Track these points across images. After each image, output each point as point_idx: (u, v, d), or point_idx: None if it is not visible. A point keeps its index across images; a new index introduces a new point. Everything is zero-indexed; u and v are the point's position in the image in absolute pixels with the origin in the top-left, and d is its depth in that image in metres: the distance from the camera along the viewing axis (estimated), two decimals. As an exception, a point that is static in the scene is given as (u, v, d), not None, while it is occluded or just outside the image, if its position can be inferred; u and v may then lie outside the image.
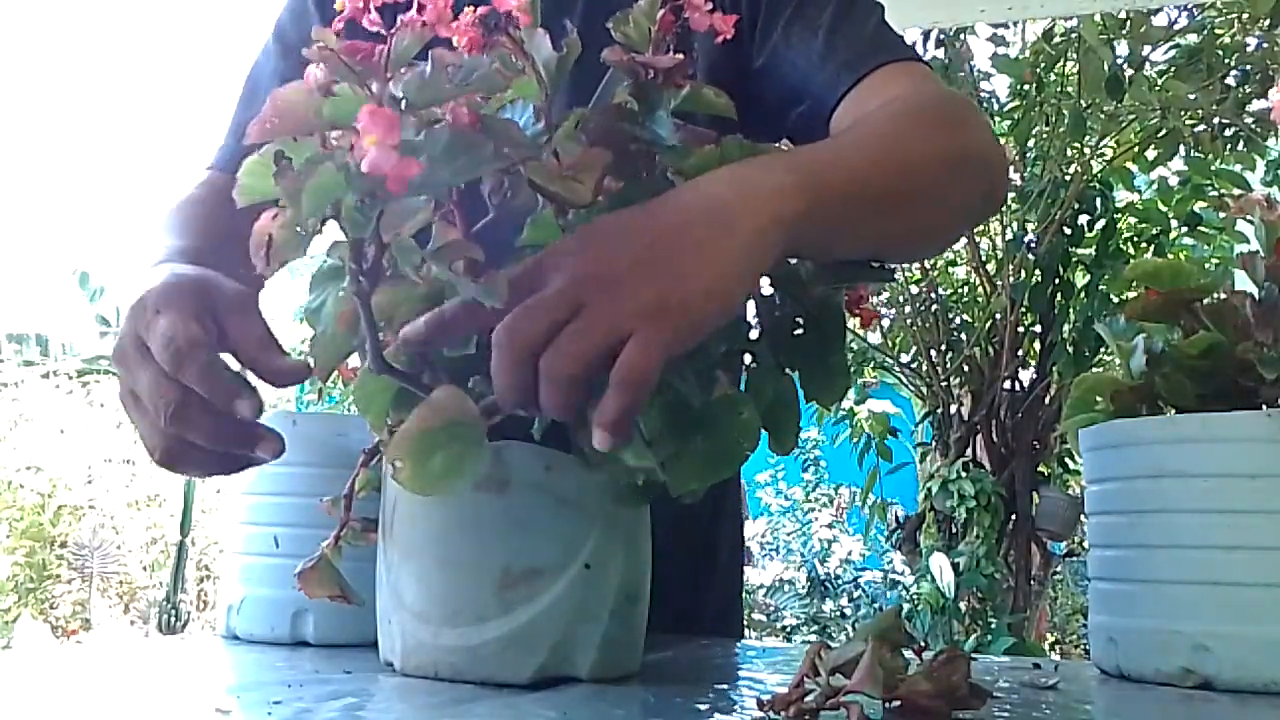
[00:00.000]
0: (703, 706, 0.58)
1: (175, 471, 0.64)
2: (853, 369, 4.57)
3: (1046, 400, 4.52)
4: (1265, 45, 3.97)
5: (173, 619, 4.79)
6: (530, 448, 0.61)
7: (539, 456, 0.61)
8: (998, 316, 4.51)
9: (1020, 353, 4.59)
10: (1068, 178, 4.36)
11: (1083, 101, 4.15)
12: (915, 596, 4.40)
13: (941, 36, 4.28)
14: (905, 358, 4.98)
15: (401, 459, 0.55)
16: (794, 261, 0.64)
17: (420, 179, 0.52)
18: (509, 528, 0.61)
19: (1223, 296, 0.77)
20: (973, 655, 0.57)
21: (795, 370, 0.64)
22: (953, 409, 4.68)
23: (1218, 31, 4.06)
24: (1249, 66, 3.98)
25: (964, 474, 4.38)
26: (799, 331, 0.64)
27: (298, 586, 0.66)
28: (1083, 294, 4.37)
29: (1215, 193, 4.04)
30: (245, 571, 0.84)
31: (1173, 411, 0.77)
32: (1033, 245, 4.38)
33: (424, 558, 0.62)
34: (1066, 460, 4.64)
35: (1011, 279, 4.40)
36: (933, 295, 4.77)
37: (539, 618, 0.60)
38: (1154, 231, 4.46)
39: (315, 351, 0.64)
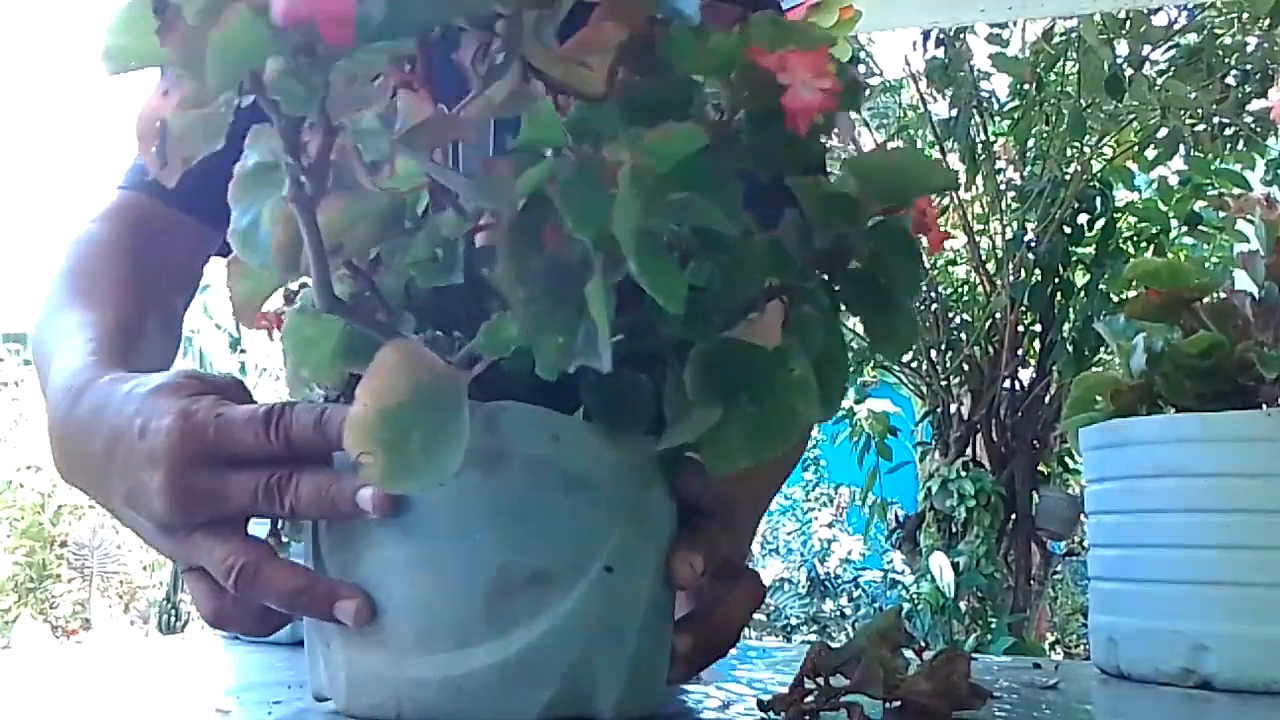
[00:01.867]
0: (703, 706, 0.58)
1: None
2: (851, 368, 4.57)
3: (1046, 400, 4.52)
4: (1265, 45, 3.97)
5: (173, 619, 4.79)
6: (533, 411, 0.46)
7: (544, 423, 0.46)
8: (998, 316, 4.51)
9: (1020, 352, 4.59)
10: (1068, 177, 4.36)
11: (1083, 101, 4.15)
12: (915, 596, 4.40)
13: (941, 36, 4.28)
14: (905, 357, 4.98)
15: (370, 450, 0.41)
16: (833, 176, 0.49)
17: (379, 23, 0.38)
18: (504, 518, 0.45)
19: (1223, 296, 0.77)
20: (973, 655, 0.57)
21: (857, 313, 0.50)
22: (952, 408, 4.68)
23: (1217, 31, 4.07)
24: (1249, 66, 3.99)
25: (964, 473, 4.39)
26: (855, 265, 0.50)
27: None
28: (1083, 293, 4.37)
29: (1215, 192, 4.04)
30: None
31: (1173, 411, 0.77)
32: (1033, 245, 4.39)
33: (382, 558, 0.46)
34: (1066, 460, 4.65)
35: (1011, 278, 4.40)
36: (933, 294, 4.77)
37: (546, 639, 0.45)
38: (1154, 231, 4.47)
39: (235, 287, 0.50)
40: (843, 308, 0.50)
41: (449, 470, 0.41)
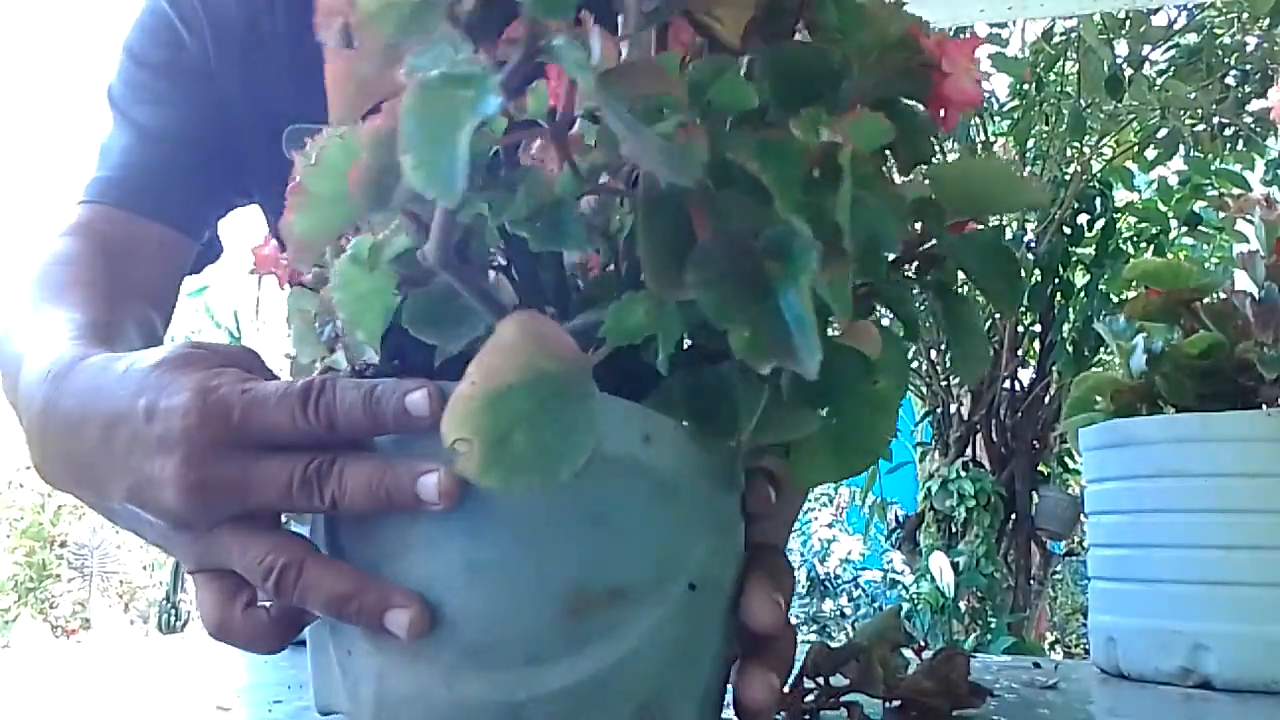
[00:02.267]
0: (703, 706, 0.58)
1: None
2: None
3: (1046, 400, 4.53)
4: (1265, 45, 3.97)
5: (173, 619, 4.79)
6: (624, 406, 0.41)
7: (636, 420, 0.41)
8: (997, 316, 4.51)
9: (1020, 352, 4.59)
10: (1067, 177, 4.36)
11: (1082, 101, 4.15)
12: (915, 596, 4.40)
13: (941, 36, 4.27)
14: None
15: (468, 437, 0.35)
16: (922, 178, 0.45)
17: None
18: (585, 524, 0.40)
19: (1223, 296, 0.77)
20: (972, 655, 0.57)
21: (945, 328, 0.47)
22: (952, 408, 4.68)
23: (1217, 31, 4.07)
24: (1249, 66, 3.99)
25: (964, 473, 4.39)
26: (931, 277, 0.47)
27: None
28: (1083, 294, 4.38)
29: (1215, 192, 4.04)
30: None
31: (1173, 411, 0.77)
32: (1032, 245, 4.39)
33: (434, 559, 0.41)
34: (1066, 460, 4.65)
35: (1011, 278, 4.40)
36: (932, 295, 4.76)
37: (623, 662, 0.40)
38: (1154, 231, 4.47)
39: (296, 222, 0.42)
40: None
41: (562, 471, 0.35)
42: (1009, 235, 4.45)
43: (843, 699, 0.52)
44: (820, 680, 0.53)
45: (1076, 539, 4.98)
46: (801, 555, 5.59)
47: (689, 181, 0.35)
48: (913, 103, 0.43)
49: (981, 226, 0.47)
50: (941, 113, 0.42)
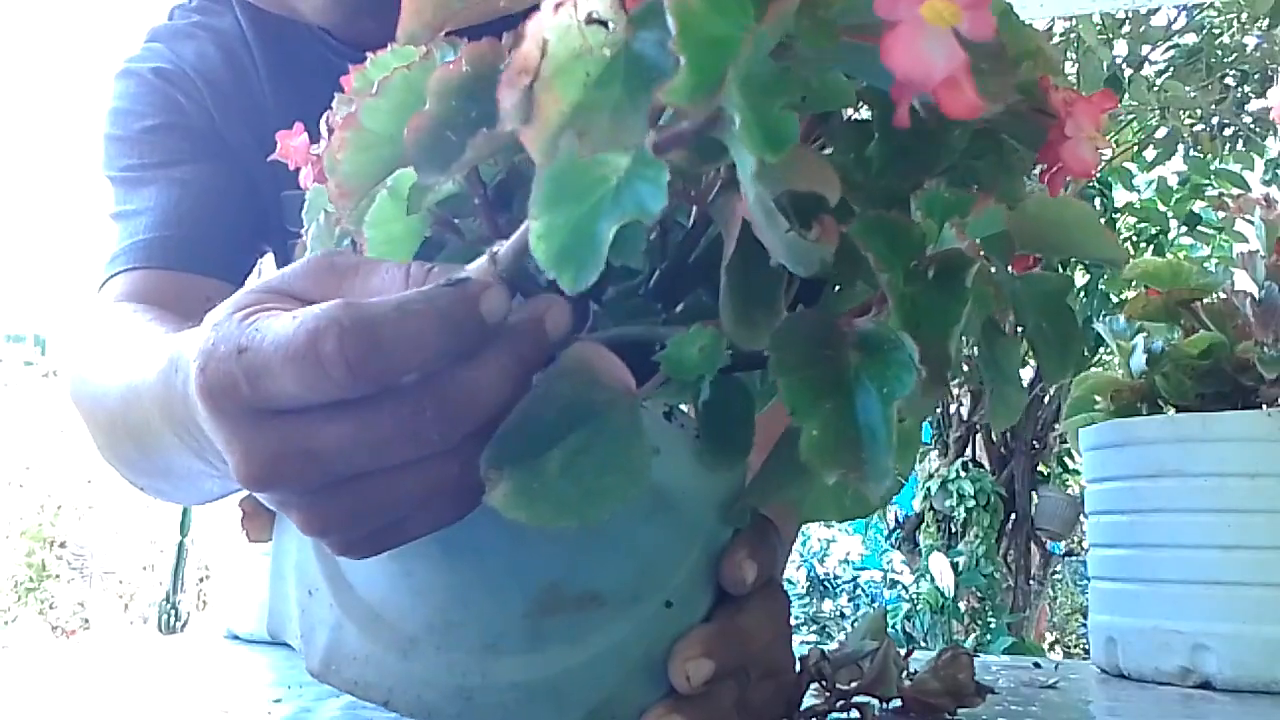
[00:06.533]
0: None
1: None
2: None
3: (1046, 400, 4.53)
4: (1264, 45, 3.97)
5: (173, 619, 4.79)
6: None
7: (651, 432, 0.38)
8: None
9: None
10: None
11: (1082, 101, 4.15)
12: (915, 596, 4.40)
13: (941, 36, 4.27)
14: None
15: (494, 462, 0.32)
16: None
17: None
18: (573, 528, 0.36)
19: (1223, 296, 0.77)
20: (974, 654, 0.57)
21: (987, 372, 0.42)
22: (952, 408, 4.69)
23: (1217, 31, 4.07)
24: (1248, 66, 3.99)
25: (963, 473, 4.39)
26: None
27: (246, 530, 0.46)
28: (1082, 294, 4.38)
29: (1215, 192, 4.05)
30: (246, 571, 0.84)
31: (1173, 411, 0.77)
32: (1032, 245, 4.39)
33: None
34: (1066, 460, 4.65)
35: (1011, 278, 4.40)
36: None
37: (585, 666, 0.39)
38: (1154, 231, 4.47)
39: (344, 159, 0.37)
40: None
41: (594, 511, 0.33)
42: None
43: (854, 701, 0.52)
44: (824, 683, 0.53)
45: (1076, 539, 4.98)
46: (801, 555, 5.59)
47: (806, 273, 0.32)
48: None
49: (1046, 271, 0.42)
50: (1051, 170, 0.38)
